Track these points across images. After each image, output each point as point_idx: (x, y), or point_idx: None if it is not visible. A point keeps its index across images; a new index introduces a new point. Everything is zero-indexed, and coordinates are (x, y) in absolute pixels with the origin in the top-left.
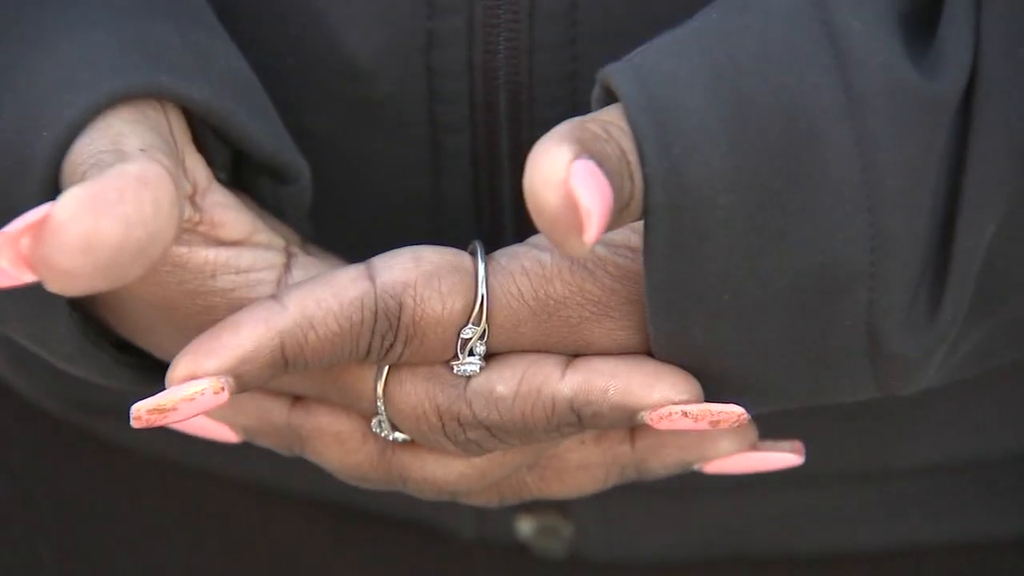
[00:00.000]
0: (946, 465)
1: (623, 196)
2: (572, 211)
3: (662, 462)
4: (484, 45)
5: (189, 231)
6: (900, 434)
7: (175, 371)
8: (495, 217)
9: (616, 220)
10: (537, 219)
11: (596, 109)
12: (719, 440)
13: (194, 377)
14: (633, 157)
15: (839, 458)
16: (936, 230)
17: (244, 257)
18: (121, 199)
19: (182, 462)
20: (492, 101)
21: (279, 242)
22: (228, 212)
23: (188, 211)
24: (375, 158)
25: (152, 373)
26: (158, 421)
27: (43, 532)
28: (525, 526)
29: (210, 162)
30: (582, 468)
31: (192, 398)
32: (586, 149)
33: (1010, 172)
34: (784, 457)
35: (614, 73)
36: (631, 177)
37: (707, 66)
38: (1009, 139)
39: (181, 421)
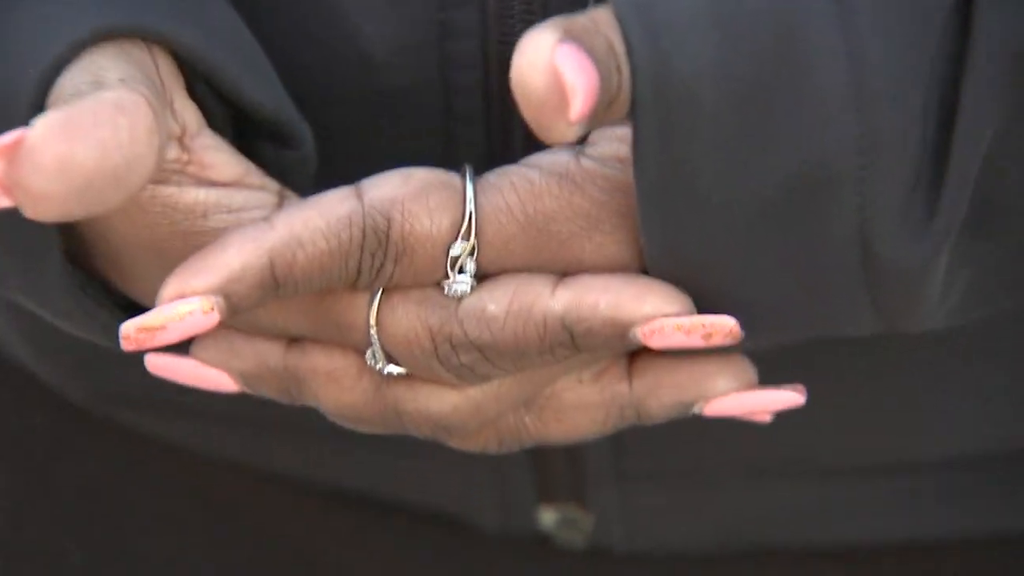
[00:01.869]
0: (965, 458)
1: (610, 87)
2: (558, 92)
3: (660, 402)
4: (498, 36)
5: (179, 172)
6: (919, 427)
7: (165, 290)
8: None
9: (603, 114)
10: (523, 105)
11: None
12: (716, 377)
13: (183, 296)
14: (620, 49)
15: (858, 451)
16: (931, 134)
17: (236, 197)
18: (96, 123)
19: (205, 452)
20: (506, 92)
21: (272, 185)
22: (219, 154)
23: (176, 151)
24: (389, 150)
25: None
26: (147, 342)
27: (67, 522)
28: (547, 518)
29: (208, 122)
30: (580, 408)
31: (182, 317)
32: (573, 36)
33: (1009, 76)
34: (785, 396)
35: None
36: (618, 69)
37: None
38: (1008, 43)
39: (171, 342)
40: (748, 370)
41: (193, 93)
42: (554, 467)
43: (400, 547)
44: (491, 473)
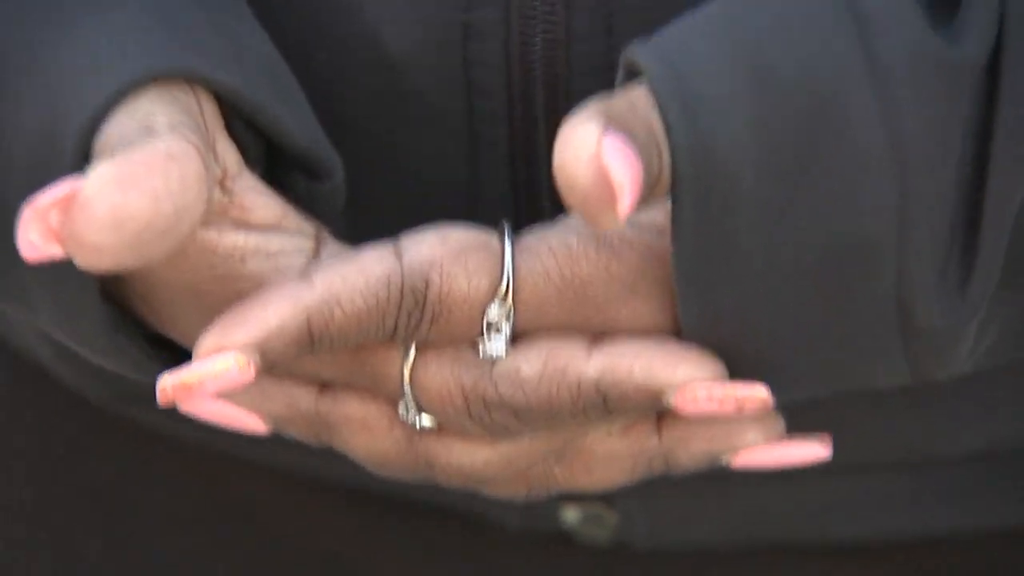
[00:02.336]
0: (987, 453)
1: (652, 171)
2: (604, 186)
3: (690, 453)
4: (521, 37)
5: (219, 215)
6: (941, 423)
7: (202, 344)
8: (533, 209)
9: (646, 197)
10: (568, 196)
11: None
12: (746, 430)
13: (221, 350)
14: (660, 132)
15: (880, 447)
16: (964, 199)
17: (274, 241)
18: (149, 174)
19: (225, 451)
20: (529, 93)
21: (309, 228)
22: (259, 196)
23: (218, 195)
24: (412, 151)
25: None
26: (184, 398)
27: (84, 522)
28: (570, 515)
29: (243, 156)
30: (609, 460)
31: (218, 374)
32: (615, 124)
33: None
34: (811, 449)
35: (637, 52)
36: (659, 152)
37: (729, 38)
38: None
39: (206, 398)
40: (777, 422)
41: (229, 128)
42: None
43: (422, 546)
44: None
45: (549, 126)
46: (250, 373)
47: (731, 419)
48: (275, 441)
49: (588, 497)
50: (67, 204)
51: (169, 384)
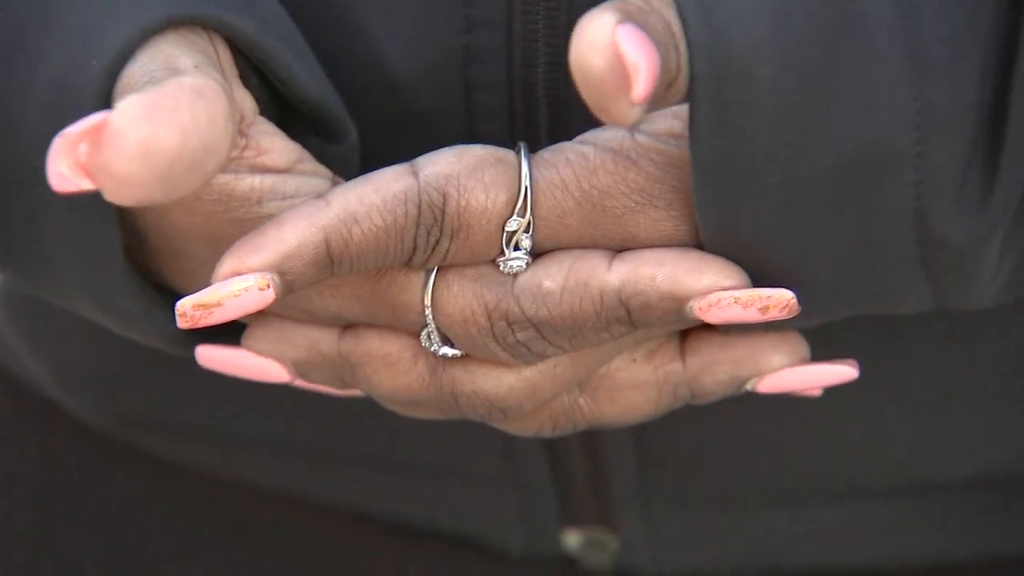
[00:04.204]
0: (987, 480)
1: (670, 67)
2: (619, 71)
3: (715, 379)
4: (523, 59)
5: (235, 159)
6: (939, 446)
7: (221, 267)
8: None
9: (663, 96)
10: (584, 86)
11: None
12: (771, 353)
13: (239, 273)
14: (677, 27)
15: (879, 471)
16: (987, 110)
17: (290, 183)
18: (178, 107)
19: (230, 478)
20: (532, 115)
21: (325, 171)
22: (274, 140)
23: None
24: None
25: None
26: (203, 319)
27: (88, 549)
28: (572, 540)
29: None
30: (634, 387)
31: (238, 294)
32: (631, 18)
33: None
34: (839, 370)
35: None
36: (676, 48)
37: None
38: None
39: (227, 319)
40: (802, 345)
41: (244, 84)
42: (578, 492)
43: (426, 571)
44: (516, 494)
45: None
46: (270, 294)
47: (754, 332)
48: (281, 464)
49: (589, 521)
50: (96, 135)
51: (189, 305)
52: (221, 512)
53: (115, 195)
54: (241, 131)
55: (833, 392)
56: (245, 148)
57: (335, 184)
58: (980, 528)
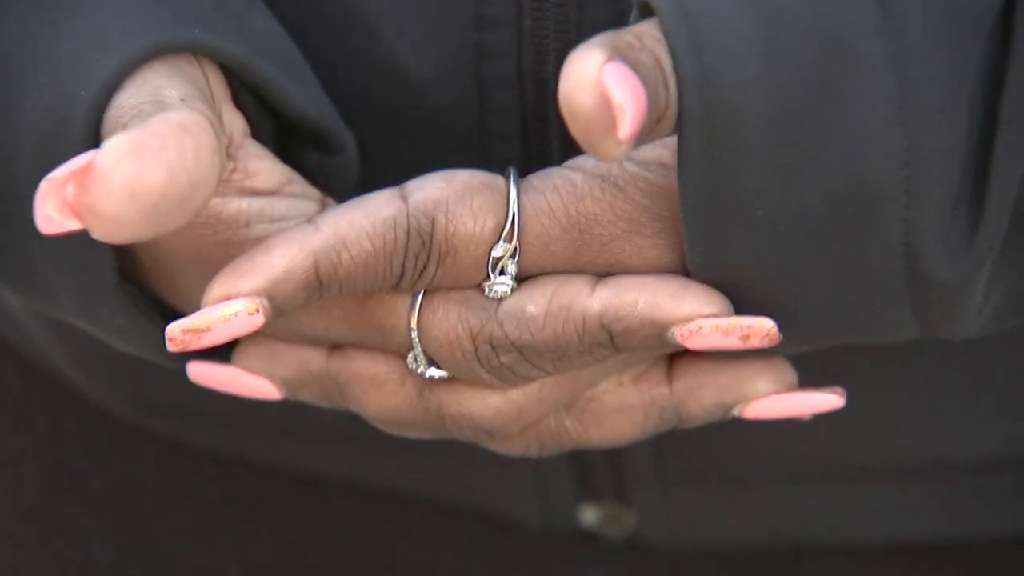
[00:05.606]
0: (1003, 460)
1: (658, 103)
2: (606, 110)
3: (701, 404)
4: (534, 56)
5: (224, 181)
6: (954, 426)
7: (210, 292)
8: None
9: (651, 131)
10: (571, 124)
11: None
12: (757, 379)
13: (229, 297)
14: (667, 64)
15: (894, 450)
16: (973, 149)
17: (278, 206)
18: (164, 146)
19: (242, 458)
20: (543, 110)
21: (314, 193)
22: (262, 162)
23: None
24: (427, 168)
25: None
26: (193, 343)
27: (100, 531)
28: (589, 515)
29: (254, 134)
30: (620, 411)
31: (227, 319)
32: (619, 54)
33: None
34: (825, 398)
35: None
36: (665, 85)
37: None
38: None
39: (216, 343)
40: (789, 372)
41: (238, 103)
42: (595, 470)
43: (444, 546)
44: (532, 473)
45: (563, 144)
46: (259, 318)
47: (741, 357)
48: (291, 442)
49: (607, 496)
50: (83, 176)
51: (178, 329)
52: (232, 493)
53: (103, 234)
54: (229, 154)
55: (849, 372)
56: (233, 171)
57: (324, 206)
58: (996, 507)
